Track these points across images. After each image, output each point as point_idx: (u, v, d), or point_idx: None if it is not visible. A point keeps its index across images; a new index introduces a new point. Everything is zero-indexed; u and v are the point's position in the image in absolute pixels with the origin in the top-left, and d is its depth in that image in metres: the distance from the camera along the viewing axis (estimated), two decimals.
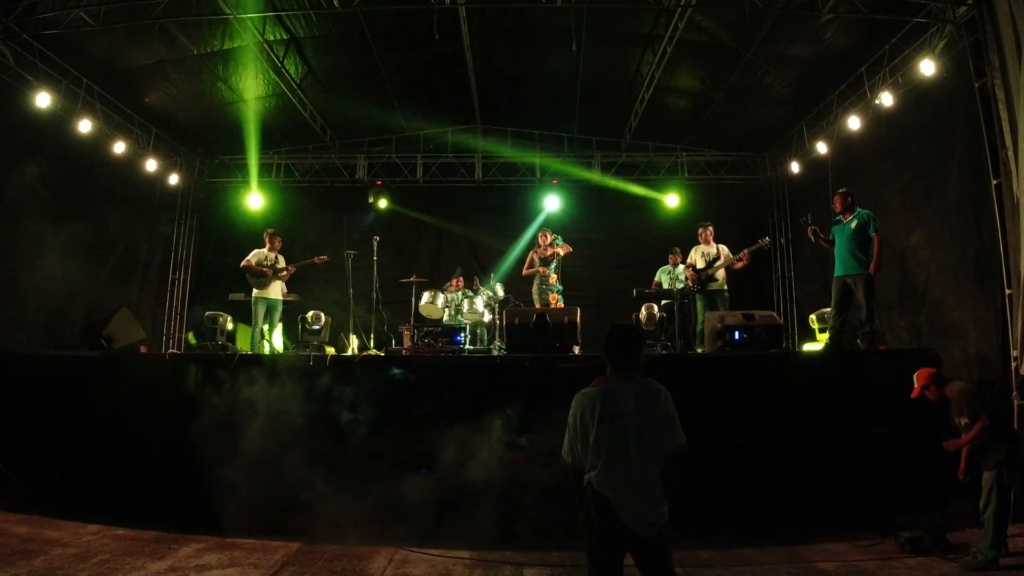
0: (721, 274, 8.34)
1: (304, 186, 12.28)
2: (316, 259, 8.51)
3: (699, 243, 8.58)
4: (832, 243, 6.97)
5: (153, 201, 11.15)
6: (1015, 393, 5.71)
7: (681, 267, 8.73)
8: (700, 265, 8.38)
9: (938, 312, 7.48)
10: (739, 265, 8.26)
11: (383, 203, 11.76)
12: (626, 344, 3.10)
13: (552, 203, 11.81)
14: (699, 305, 8.36)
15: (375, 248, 8.35)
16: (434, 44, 8.46)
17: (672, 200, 11.80)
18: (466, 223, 12.39)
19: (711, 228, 8.60)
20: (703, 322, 7.71)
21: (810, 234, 7.21)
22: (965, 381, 4.84)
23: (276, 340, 8.50)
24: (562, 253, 8.71)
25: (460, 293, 8.98)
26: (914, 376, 4.98)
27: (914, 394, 4.94)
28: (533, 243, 8.89)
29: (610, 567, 2.92)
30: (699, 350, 7.63)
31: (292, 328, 8.69)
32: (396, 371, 5.91)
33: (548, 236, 8.74)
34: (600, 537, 2.90)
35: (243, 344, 8.82)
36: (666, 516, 2.86)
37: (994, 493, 4.55)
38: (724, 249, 8.44)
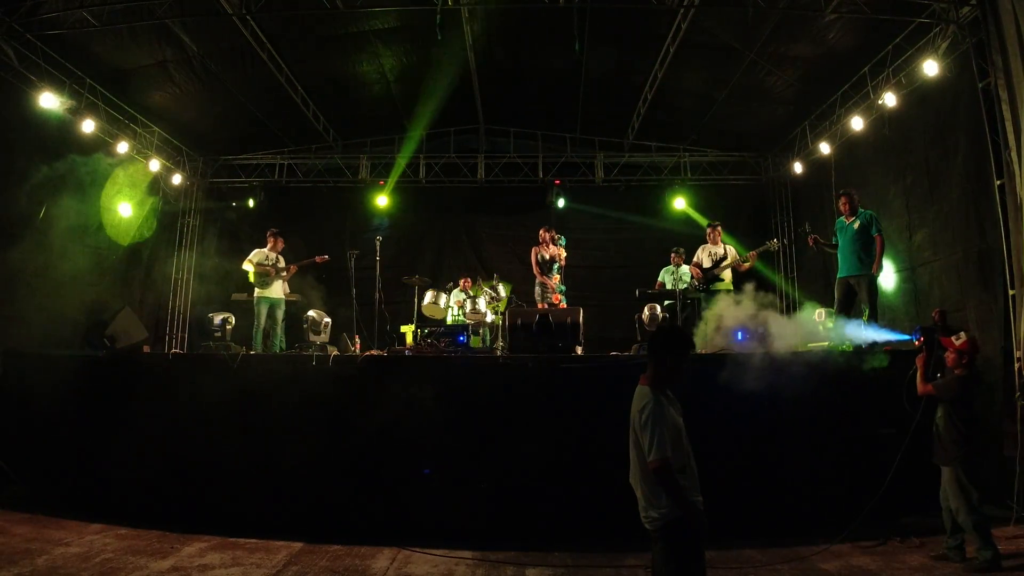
0: (727, 274, 8.31)
1: (307, 186, 12.29)
2: (317, 258, 8.54)
3: (707, 242, 8.55)
4: (835, 246, 6.96)
5: (156, 201, 11.15)
6: (1018, 394, 5.69)
7: (685, 267, 8.70)
8: (706, 264, 8.36)
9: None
10: (746, 266, 8.25)
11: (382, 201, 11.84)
12: (649, 347, 3.14)
13: (555, 203, 11.79)
14: (702, 305, 8.32)
15: (378, 248, 8.36)
16: (436, 44, 8.47)
17: (675, 201, 11.81)
18: (469, 223, 12.41)
19: (720, 228, 8.57)
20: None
21: (811, 243, 7.21)
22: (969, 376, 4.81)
23: (279, 340, 8.53)
24: (564, 255, 8.71)
25: (463, 293, 8.95)
26: (969, 336, 4.91)
27: (951, 340, 4.90)
28: (536, 242, 8.81)
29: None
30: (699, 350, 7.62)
31: (295, 328, 8.70)
32: (397, 371, 5.91)
33: (551, 232, 8.70)
34: None
35: (246, 344, 8.82)
36: (660, 520, 2.83)
37: (960, 498, 4.60)
38: (731, 250, 8.42)
